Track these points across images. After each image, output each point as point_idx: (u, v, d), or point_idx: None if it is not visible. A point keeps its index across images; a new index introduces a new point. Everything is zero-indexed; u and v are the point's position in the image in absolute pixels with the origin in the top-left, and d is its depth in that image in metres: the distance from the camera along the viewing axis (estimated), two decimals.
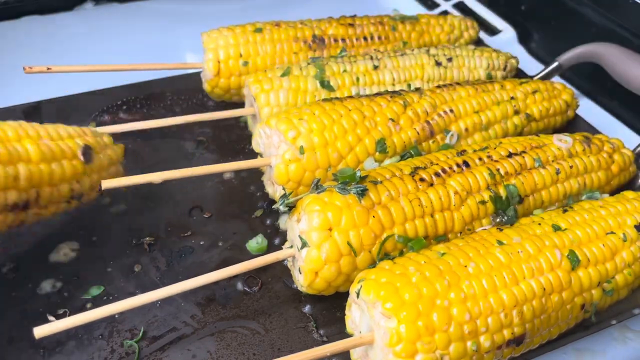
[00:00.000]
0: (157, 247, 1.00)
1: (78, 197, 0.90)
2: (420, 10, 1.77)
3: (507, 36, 1.68)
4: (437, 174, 0.92)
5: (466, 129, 1.08)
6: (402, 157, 1.01)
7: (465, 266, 0.77)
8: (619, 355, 0.94)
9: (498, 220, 0.93)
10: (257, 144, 1.05)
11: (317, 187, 0.90)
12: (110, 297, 0.91)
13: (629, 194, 0.99)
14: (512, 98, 1.14)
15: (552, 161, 1.01)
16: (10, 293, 0.91)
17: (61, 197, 0.86)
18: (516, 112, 1.13)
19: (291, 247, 0.90)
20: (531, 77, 1.37)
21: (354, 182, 0.87)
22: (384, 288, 0.74)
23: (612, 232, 0.88)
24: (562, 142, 1.04)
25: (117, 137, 1.19)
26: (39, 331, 0.73)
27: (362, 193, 0.86)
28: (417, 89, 1.12)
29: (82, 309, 0.89)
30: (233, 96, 1.26)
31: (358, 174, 0.88)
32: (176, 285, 0.81)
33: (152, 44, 1.50)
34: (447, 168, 0.94)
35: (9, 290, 0.91)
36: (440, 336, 0.71)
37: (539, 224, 0.88)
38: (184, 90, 1.32)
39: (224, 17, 1.37)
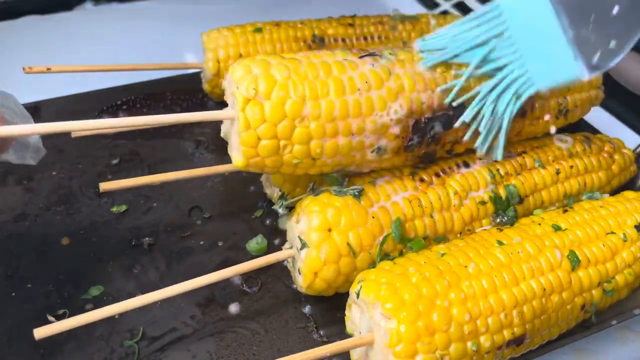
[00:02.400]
0: (156, 248, 1.00)
1: (564, 113, 1.04)
2: (420, 10, 1.77)
3: None
4: (437, 174, 0.92)
5: None
6: None
7: (465, 266, 0.77)
8: (619, 356, 0.94)
9: (498, 220, 0.93)
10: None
11: (314, 190, 0.90)
12: (110, 298, 0.91)
13: (629, 194, 0.99)
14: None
15: (553, 161, 1.00)
16: (10, 293, 0.91)
17: (550, 109, 1.00)
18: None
19: (291, 247, 0.90)
20: None
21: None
22: (383, 289, 0.73)
23: (612, 232, 0.88)
24: (562, 142, 1.04)
25: (117, 137, 1.20)
26: (39, 332, 0.73)
27: (359, 194, 0.85)
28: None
29: (82, 309, 0.89)
30: None
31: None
32: (176, 285, 0.81)
33: (152, 44, 1.50)
34: (447, 168, 0.93)
35: (9, 290, 0.91)
36: (440, 336, 0.71)
37: (539, 224, 0.87)
38: (184, 90, 1.32)
39: (224, 17, 1.37)
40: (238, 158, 0.81)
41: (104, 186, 0.90)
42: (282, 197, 0.94)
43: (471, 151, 0.99)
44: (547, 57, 0.85)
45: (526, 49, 0.86)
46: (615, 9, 0.80)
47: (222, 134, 0.99)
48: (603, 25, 0.82)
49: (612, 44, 0.82)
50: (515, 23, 0.86)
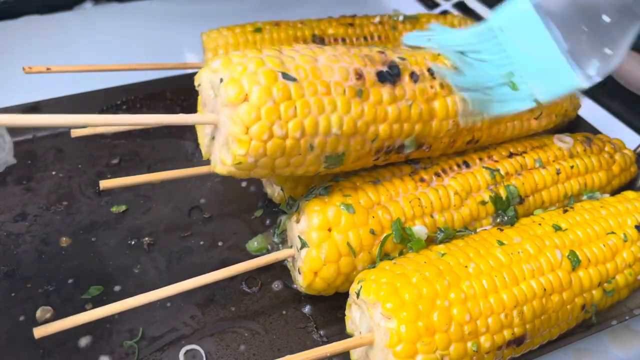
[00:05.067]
0: (156, 248, 1.00)
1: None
2: (420, 10, 1.78)
3: None
4: (437, 174, 0.92)
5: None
6: None
7: (466, 266, 0.77)
8: (619, 356, 0.94)
9: (498, 220, 0.93)
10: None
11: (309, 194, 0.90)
12: (110, 297, 0.91)
13: (629, 194, 0.99)
14: None
15: (553, 161, 1.00)
16: (10, 293, 0.91)
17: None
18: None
19: (291, 247, 0.90)
20: None
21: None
22: (383, 288, 0.73)
23: (612, 232, 0.88)
24: (562, 142, 1.04)
25: (116, 137, 1.20)
26: (39, 331, 0.73)
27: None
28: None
29: (82, 309, 0.89)
30: None
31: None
32: (176, 285, 0.81)
33: (152, 44, 1.50)
34: (447, 168, 0.93)
35: (9, 290, 0.91)
36: (440, 336, 0.71)
37: (540, 224, 0.87)
38: (184, 90, 1.32)
39: (224, 17, 1.37)
40: (221, 168, 0.79)
41: (104, 184, 0.90)
42: (291, 198, 0.94)
43: (471, 151, 0.99)
44: (545, 71, 0.87)
45: (523, 66, 0.88)
46: (605, 17, 0.82)
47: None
48: (595, 33, 0.83)
49: (607, 50, 0.83)
50: (509, 43, 0.87)
